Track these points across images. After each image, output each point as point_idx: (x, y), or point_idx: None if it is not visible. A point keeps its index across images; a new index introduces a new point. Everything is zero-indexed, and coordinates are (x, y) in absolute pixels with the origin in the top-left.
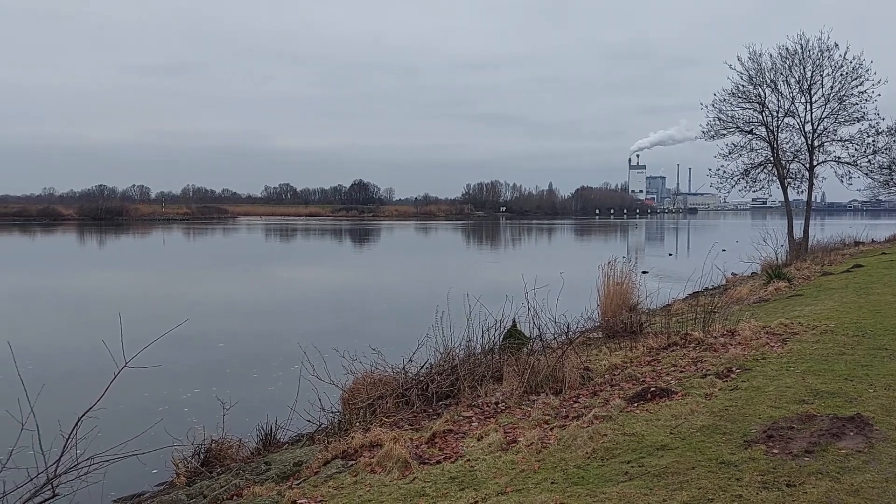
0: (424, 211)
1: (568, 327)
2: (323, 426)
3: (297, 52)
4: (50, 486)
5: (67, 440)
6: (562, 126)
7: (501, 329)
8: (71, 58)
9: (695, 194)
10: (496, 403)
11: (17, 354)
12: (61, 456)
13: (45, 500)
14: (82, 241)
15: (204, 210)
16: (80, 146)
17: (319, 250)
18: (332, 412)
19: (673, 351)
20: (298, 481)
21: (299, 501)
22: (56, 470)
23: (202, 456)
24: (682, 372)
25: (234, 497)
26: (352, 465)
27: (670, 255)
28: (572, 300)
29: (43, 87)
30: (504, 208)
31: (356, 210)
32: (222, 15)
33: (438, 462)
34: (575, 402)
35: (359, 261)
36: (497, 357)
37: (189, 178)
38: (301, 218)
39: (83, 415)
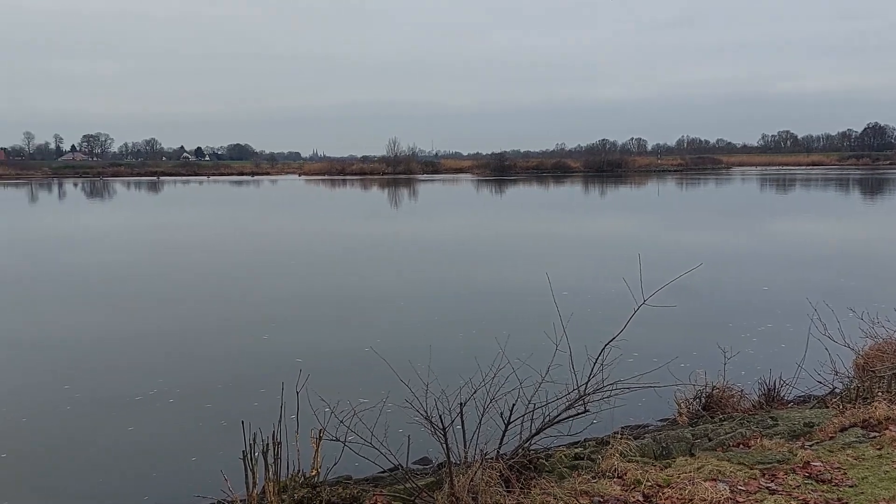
0: None
1: None
2: (836, 390)
3: None
4: (582, 402)
5: (594, 364)
6: None
7: None
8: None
9: None
10: None
11: (553, 285)
12: (590, 378)
13: (578, 413)
14: (587, 190)
15: (697, 161)
16: (586, 103)
17: (821, 203)
18: (845, 377)
19: None
20: (811, 443)
21: (813, 464)
22: (585, 389)
23: (703, 400)
24: None
25: (741, 445)
26: (874, 438)
27: None
28: None
29: (559, 50)
30: None
31: (868, 157)
32: None
33: None
34: None
35: (874, 215)
36: None
37: (683, 130)
38: (801, 168)
39: (607, 344)
